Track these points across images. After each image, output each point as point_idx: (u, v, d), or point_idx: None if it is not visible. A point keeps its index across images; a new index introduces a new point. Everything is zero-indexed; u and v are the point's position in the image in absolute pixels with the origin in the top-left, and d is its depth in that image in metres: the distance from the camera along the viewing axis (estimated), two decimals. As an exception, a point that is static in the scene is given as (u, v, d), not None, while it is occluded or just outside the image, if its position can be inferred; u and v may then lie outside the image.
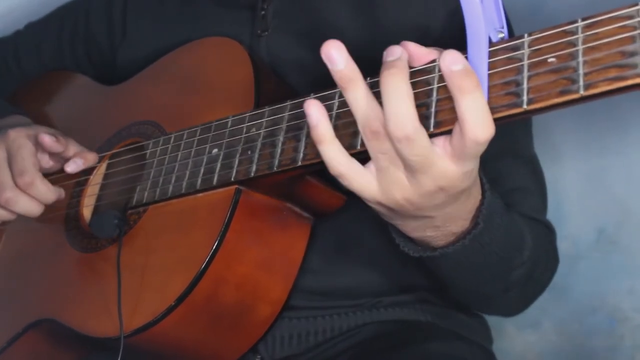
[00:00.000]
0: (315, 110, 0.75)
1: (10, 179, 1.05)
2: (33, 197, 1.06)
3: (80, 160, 1.10)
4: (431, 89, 0.75)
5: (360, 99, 0.73)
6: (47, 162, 1.11)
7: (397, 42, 1.04)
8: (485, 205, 0.84)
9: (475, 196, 0.83)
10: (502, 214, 0.89)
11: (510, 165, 1.07)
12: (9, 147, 1.07)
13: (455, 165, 0.73)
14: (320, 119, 0.75)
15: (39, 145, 1.09)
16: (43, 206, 1.08)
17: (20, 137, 1.08)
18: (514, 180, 1.07)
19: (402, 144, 0.71)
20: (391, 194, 0.76)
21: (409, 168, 0.73)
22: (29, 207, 1.06)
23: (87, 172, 1.14)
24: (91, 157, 1.11)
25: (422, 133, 0.71)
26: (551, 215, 1.13)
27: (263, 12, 1.13)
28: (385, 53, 0.73)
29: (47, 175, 1.09)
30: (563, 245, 1.49)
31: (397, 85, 0.71)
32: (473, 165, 0.75)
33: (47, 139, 1.06)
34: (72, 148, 1.11)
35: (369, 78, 0.81)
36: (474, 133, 0.69)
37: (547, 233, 1.10)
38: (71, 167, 1.09)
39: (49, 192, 1.07)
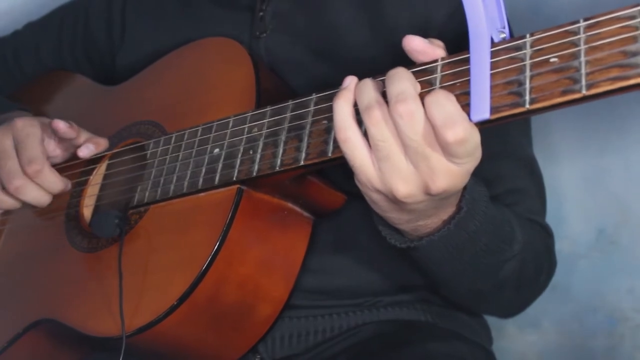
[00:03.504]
0: (353, 77, 0.81)
1: (19, 167, 1.06)
2: (41, 185, 1.07)
3: (92, 146, 1.10)
4: (433, 90, 0.75)
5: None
6: (54, 151, 1.11)
7: (397, 41, 1.05)
8: (467, 190, 0.84)
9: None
10: (486, 202, 0.89)
11: (508, 167, 1.06)
12: (16, 135, 1.08)
13: (449, 162, 0.73)
14: (352, 81, 0.80)
15: (45, 134, 1.09)
16: (51, 196, 1.09)
17: (27, 126, 1.08)
18: (512, 181, 1.06)
19: (404, 120, 0.72)
20: (394, 185, 0.76)
21: (411, 155, 0.74)
22: (38, 196, 1.08)
23: (87, 172, 1.14)
24: (102, 142, 1.12)
25: (422, 111, 0.73)
26: (551, 215, 1.13)
27: (262, 14, 1.13)
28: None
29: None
30: (563, 245, 1.50)
31: (398, 68, 0.76)
32: (472, 165, 0.75)
33: (61, 125, 1.07)
34: (83, 135, 1.11)
35: (371, 79, 0.82)
36: (442, 134, 0.71)
37: (544, 235, 1.09)
38: (83, 152, 1.10)
39: (56, 181, 1.08)
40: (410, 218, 0.83)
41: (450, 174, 0.74)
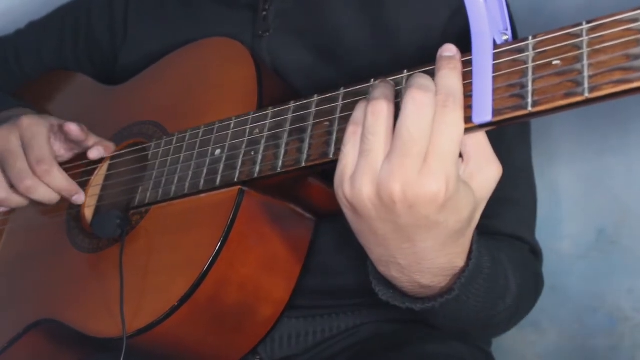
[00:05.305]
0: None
1: (27, 166, 1.06)
2: (49, 185, 1.07)
3: (101, 148, 1.11)
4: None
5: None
6: (58, 150, 1.11)
7: (399, 42, 1.05)
8: (466, 274, 0.81)
9: (450, 258, 0.80)
10: (487, 274, 0.85)
11: (504, 175, 1.04)
12: (23, 134, 1.07)
13: (424, 176, 0.71)
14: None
15: (51, 132, 1.09)
16: (59, 195, 1.09)
17: (34, 125, 1.08)
18: (507, 190, 1.04)
19: (415, 104, 0.70)
20: (358, 183, 0.73)
21: (394, 150, 0.71)
22: (48, 194, 1.08)
23: (89, 172, 1.14)
24: (111, 146, 1.13)
25: (432, 114, 0.71)
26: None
27: (265, 13, 1.13)
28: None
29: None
30: (563, 245, 1.50)
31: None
32: (440, 187, 0.71)
33: (74, 128, 1.07)
34: (92, 138, 1.12)
35: (373, 79, 0.82)
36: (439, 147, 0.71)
37: (532, 259, 1.08)
38: (94, 154, 1.10)
39: (64, 181, 1.08)
40: (381, 255, 0.80)
41: (420, 187, 0.71)
